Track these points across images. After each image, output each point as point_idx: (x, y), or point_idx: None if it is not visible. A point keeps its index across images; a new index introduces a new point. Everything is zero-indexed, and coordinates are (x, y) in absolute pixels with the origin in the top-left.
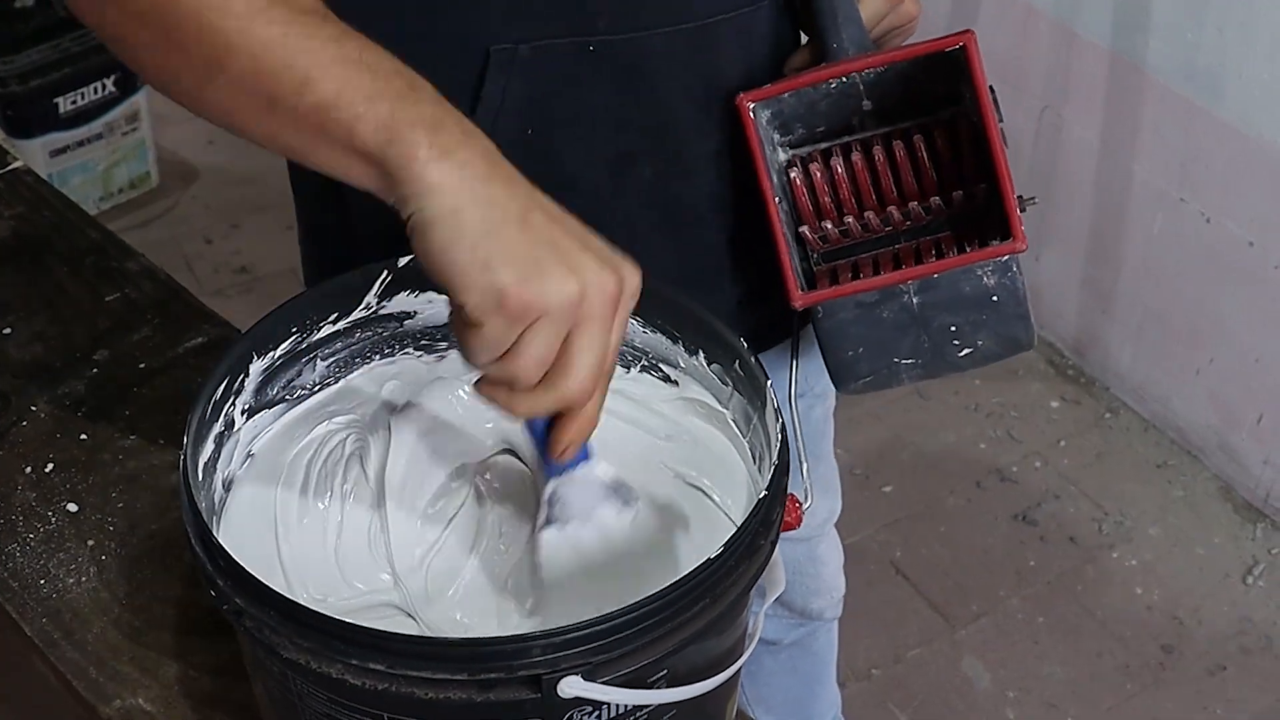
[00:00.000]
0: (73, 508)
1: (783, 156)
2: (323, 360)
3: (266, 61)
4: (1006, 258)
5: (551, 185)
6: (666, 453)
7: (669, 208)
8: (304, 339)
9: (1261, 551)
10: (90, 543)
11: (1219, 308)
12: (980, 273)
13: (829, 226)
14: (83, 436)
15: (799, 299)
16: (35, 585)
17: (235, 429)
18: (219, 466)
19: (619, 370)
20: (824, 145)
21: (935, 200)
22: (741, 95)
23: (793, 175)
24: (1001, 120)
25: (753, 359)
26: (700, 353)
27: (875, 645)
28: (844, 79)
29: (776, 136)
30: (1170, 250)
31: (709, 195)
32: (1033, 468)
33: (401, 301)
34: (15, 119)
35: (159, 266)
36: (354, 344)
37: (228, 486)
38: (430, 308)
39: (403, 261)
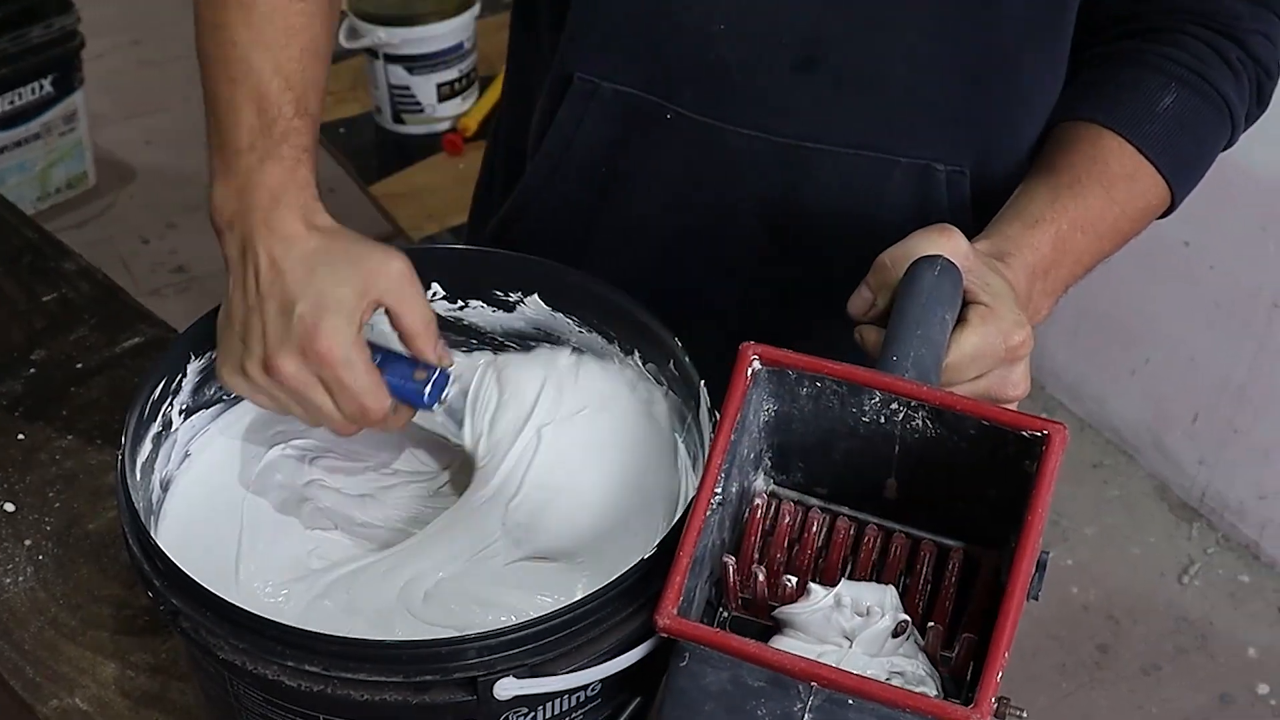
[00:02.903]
0: (10, 507)
1: (760, 483)
2: None
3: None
4: None
5: (619, 226)
6: (604, 450)
7: (709, 299)
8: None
9: (1197, 551)
10: (27, 542)
11: (1154, 307)
12: None
13: (760, 579)
14: (20, 436)
15: (668, 619)
16: None
17: (173, 429)
18: (156, 466)
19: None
20: (814, 501)
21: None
22: (748, 344)
23: (756, 504)
24: (1038, 581)
25: (686, 359)
26: (636, 352)
27: None
28: (880, 404)
29: (769, 460)
30: None
31: (742, 310)
32: None
33: None
34: None
35: (96, 266)
36: None
37: (165, 487)
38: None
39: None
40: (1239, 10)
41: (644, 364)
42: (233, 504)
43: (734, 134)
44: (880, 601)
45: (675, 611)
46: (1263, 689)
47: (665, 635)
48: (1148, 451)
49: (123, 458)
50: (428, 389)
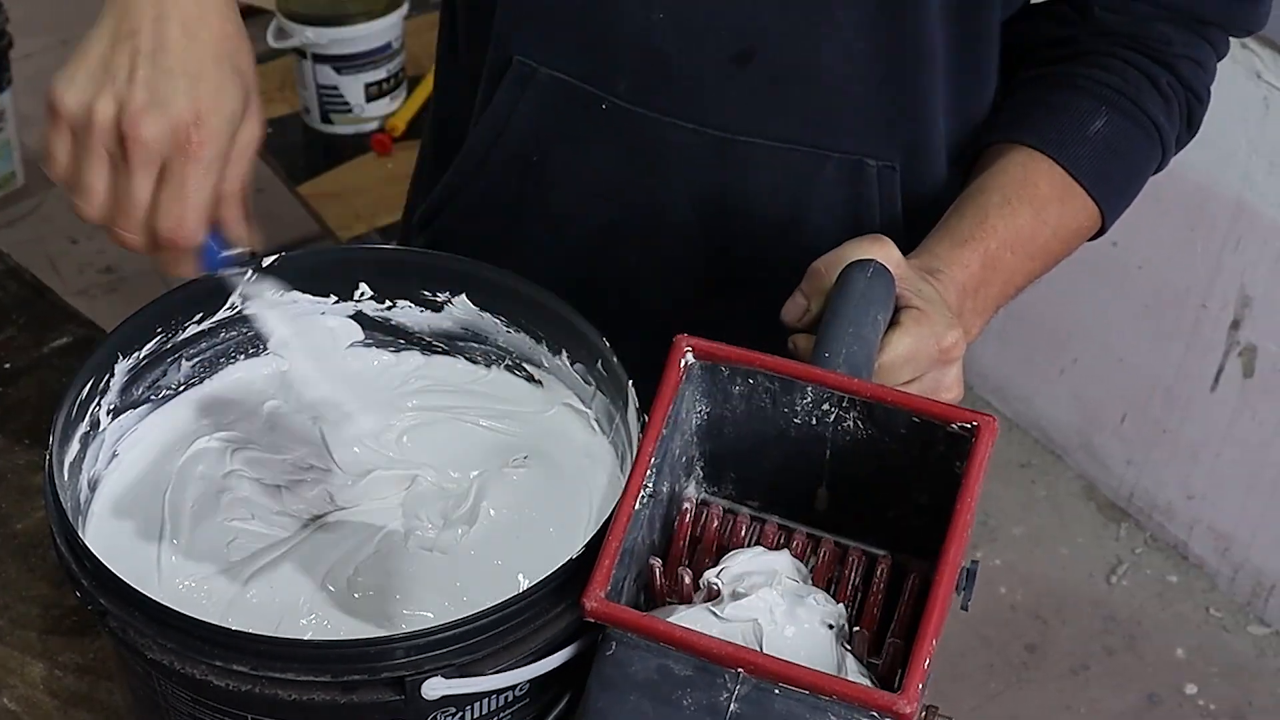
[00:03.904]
0: None
1: (691, 490)
2: (188, 360)
3: None
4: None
5: (549, 216)
6: (531, 452)
7: (639, 295)
8: (169, 339)
9: (1125, 551)
10: None
11: (1082, 308)
12: (832, 715)
13: (686, 582)
14: None
15: (596, 604)
16: None
17: (101, 429)
18: (84, 466)
19: (481, 371)
20: (745, 510)
21: None
22: (682, 335)
23: (685, 508)
24: (968, 590)
25: (614, 359)
26: (564, 352)
27: None
28: (812, 404)
29: (700, 469)
30: None
31: (673, 305)
32: None
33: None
34: None
35: (24, 266)
36: (219, 344)
37: (93, 486)
38: (295, 307)
39: (267, 261)
40: (1170, 36)
41: (572, 364)
42: (158, 502)
43: (669, 126)
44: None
45: (603, 595)
46: (1191, 689)
47: (592, 620)
48: (1076, 452)
49: (50, 458)
50: (222, 254)
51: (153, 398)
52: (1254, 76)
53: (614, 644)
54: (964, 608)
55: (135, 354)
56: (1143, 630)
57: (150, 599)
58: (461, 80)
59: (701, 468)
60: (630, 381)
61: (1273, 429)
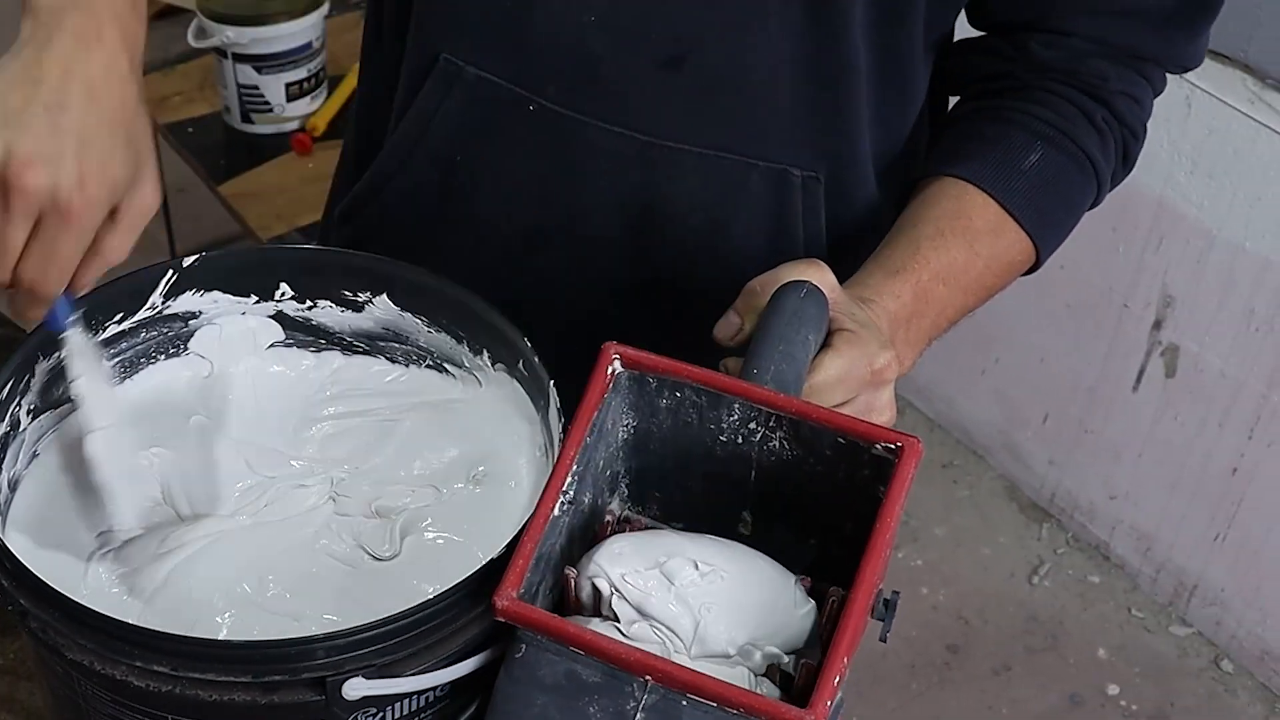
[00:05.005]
0: None
1: (615, 506)
2: (108, 360)
3: None
4: None
5: (472, 217)
6: (455, 451)
7: (560, 299)
8: (89, 339)
9: (1047, 551)
10: None
11: (1005, 307)
12: None
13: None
14: None
15: (507, 602)
16: None
17: (21, 429)
18: (4, 467)
19: (400, 370)
20: (667, 528)
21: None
22: (610, 343)
23: (606, 520)
24: (888, 621)
25: (536, 359)
26: (485, 352)
27: None
28: (739, 423)
29: (625, 488)
30: None
31: (597, 311)
32: None
33: (187, 301)
34: None
35: None
36: (139, 344)
37: (13, 487)
38: (215, 307)
39: (187, 261)
40: (1106, 72)
41: (493, 364)
42: (78, 502)
43: (596, 129)
44: None
45: (514, 594)
46: (1113, 689)
47: (502, 619)
48: (998, 452)
49: None
50: (71, 316)
51: (73, 399)
52: (1176, 75)
53: (524, 646)
54: (882, 639)
55: (55, 354)
56: (1065, 630)
57: (69, 599)
58: (388, 74)
59: (626, 485)
60: (552, 381)
61: (1194, 429)
